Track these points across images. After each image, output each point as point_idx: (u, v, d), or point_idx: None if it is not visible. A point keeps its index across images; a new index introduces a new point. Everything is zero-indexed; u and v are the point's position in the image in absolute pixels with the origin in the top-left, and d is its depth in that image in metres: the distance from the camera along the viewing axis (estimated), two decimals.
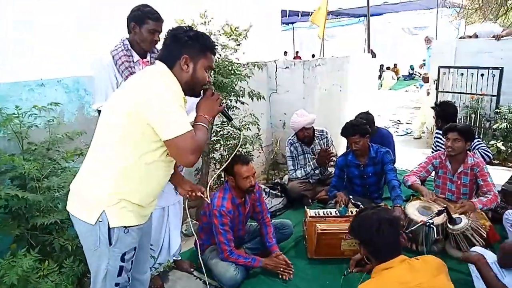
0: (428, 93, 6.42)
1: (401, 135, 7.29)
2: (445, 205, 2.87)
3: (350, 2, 12.70)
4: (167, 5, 3.10)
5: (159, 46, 2.55)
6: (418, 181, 3.33)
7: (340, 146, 4.77)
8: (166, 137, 1.54)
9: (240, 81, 3.33)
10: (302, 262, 3.01)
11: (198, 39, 1.67)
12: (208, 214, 2.80)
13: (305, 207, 3.32)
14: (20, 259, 1.99)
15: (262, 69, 3.86)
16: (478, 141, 3.83)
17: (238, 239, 2.91)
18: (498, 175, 3.99)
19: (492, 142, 5.18)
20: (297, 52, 17.14)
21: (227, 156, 3.61)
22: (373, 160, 3.53)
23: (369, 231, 1.76)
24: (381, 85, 14.70)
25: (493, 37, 5.64)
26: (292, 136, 4.19)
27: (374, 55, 8.15)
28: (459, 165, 3.24)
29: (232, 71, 3.31)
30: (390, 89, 14.79)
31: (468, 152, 3.26)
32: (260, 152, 4.81)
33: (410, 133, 7.38)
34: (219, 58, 3.30)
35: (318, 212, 3.12)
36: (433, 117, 4.36)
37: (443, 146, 3.53)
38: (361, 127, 3.43)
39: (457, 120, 4.25)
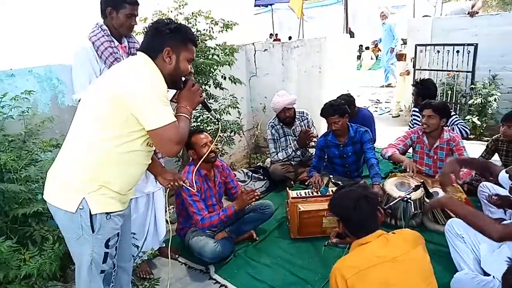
0: (408, 73, 6.47)
1: (380, 114, 7.38)
2: (422, 180, 2.94)
3: None
4: None
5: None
6: (397, 152, 3.40)
7: (321, 127, 4.81)
8: (150, 127, 1.55)
9: (222, 66, 3.30)
10: (286, 242, 3.06)
11: (180, 31, 1.68)
12: (179, 194, 2.84)
13: (287, 188, 3.37)
14: None
15: (238, 50, 3.83)
16: (456, 117, 3.93)
17: None
18: (473, 149, 4.11)
19: (468, 117, 5.30)
20: (276, 35, 17.00)
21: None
22: (352, 140, 3.58)
23: (347, 207, 1.79)
24: (361, 66, 14.79)
25: (468, 13, 5.71)
26: (273, 119, 4.21)
27: (352, 35, 8.18)
28: (435, 140, 3.33)
29: (210, 56, 3.28)
30: (370, 69, 14.88)
31: (444, 127, 3.34)
32: (241, 137, 4.80)
33: (388, 112, 7.49)
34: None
35: (299, 193, 3.16)
36: (412, 94, 4.42)
37: (420, 123, 3.61)
38: (340, 107, 3.46)
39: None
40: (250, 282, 2.61)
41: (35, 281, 2.06)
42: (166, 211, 3.04)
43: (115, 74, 1.64)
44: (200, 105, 1.88)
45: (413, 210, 2.93)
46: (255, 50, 4.89)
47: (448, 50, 5.57)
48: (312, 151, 4.13)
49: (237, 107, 3.68)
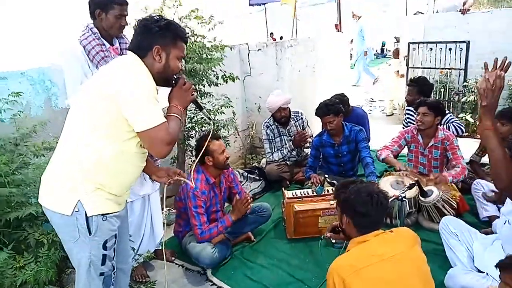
0: (402, 75, 6.50)
1: (373, 112, 7.41)
2: (416, 179, 2.96)
3: None
4: None
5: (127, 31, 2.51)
6: (391, 155, 3.42)
7: (315, 126, 4.82)
8: (140, 129, 1.54)
9: (214, 66, 3.29)
10: (282, 242, 3.07)
11: (169, 29, 1.66)
12: (183, 199, 2.81)
13: (283, 188, 3.37)
14: None
15: (232, 49, 3.82)
16: (451, 115, 3.96)
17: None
18: (467, 147, 4.13)
19: (461, 115, 5.34)
20: (271, 34, 16.98)
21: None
22: (347, 139, 3.59)
23: (365, 202, 1.75)
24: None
25: (459, 10, 5.74)
26: (268, 119, 4.21)
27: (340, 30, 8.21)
28: (430, 139, 3.34)
29: (204, 56, 3.27)
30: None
31: (438, 126, 3.36)
32: (236, 137, 4.80)
33: (382, 110, 7.51)
34: (189, 44, 3.24)
35: (295, 193, 3.17)
36: (406, 92, 4.43)
37: (413, 121, 3.62)
38: (335, 107, 3.47)
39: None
40: (247, 283, 2.61)
41: None
42: (162, 213, 3.04)
43: (103, 75, 1.62)
44: (192, 103, 1.86)
45: (408, 209, 2.96)
46: (249, 50, 4.88)
47: (441, 48, 5.60)
48: (308, 151, 4.14)
49: (231, 106, 3.67)
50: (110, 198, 1.66)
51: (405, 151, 3.68)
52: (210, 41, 3.38)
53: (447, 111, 3.99)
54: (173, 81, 1.73)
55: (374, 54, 17.78)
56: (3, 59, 2.92)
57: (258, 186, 4.09)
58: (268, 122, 4.19)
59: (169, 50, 1.66)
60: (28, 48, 3.08)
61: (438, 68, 5.73)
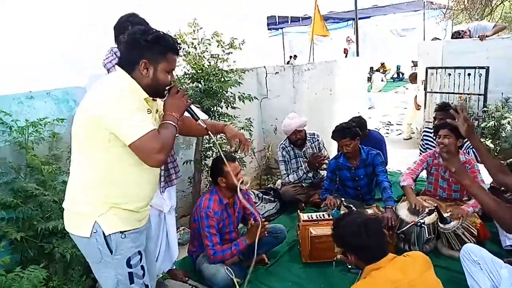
0: (419, 107, 6.50)
1: (390, 135, 7.35)
2: (435, 205, 2.90)
3: (339, 6, 12.85)
4: (156, 13, 3.11)
5: None
6: (412, 184, 3.36)
7: (332, 149, 4.81)
8: (129, 142, 1.52)
9: (231, 87, 3.35)
10: (297, 266, 3.02)
11: (158, 42, 1.61)
12: (197, 220, 2.81)
13: (298, 211, 3.34)
14: (28, 274, 1.95)
15: (248, 71, 3.88)
16: None
17: (231, 242, 2.91)
18: (487, 173, 4.04)
19: (481, 140, 5.24)
20: (295, 56, 17.28)
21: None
22: (364, 162, 3.56)
23: (353, 235, 1.76)
24: (371, 87, 14.83)
25: (478, 37, 5.74)
26: (284, 141, 4.22)
27: (357, 54, 8.28)
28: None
29: (222, 78, 3.34)
30: (380, 91, 14.91)
31: (459, 150, 3.31)
32: (252, 158, 4.82)
33: (400, 134, 7.45)
34: (208, 67, 3.32)
35: (311, 216, 3.14)
36: (433, 117, 4.37)
37: (432, 145, 3.58)
38: (351, 130, 3.46)
39: None
40: None
41: None
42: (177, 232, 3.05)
43: (88, 97, 1.62)
44: (187, 113, 1.82)
45: (427, 235, 2.88)
46: (266, 73, 4.95)
47: (460, 73, 5.57)
48: (324, 173, 4.11)
49: (250, 129, 3.71)
50: (127, 215, 1.66)
51: (423, 174, 3.63)
52: (229, 65, 3.45)
53: None
54: (166, 92, 1.72)
55: (391, 78, 17.83)
56: (30, 78, 3.03)
57: (273, 208, 4.07)
58: (284, 144, 4.20)
59: (157, 64, 1.63)
60: (54, 68, 3.19)
61: (457, 93, 5.68)
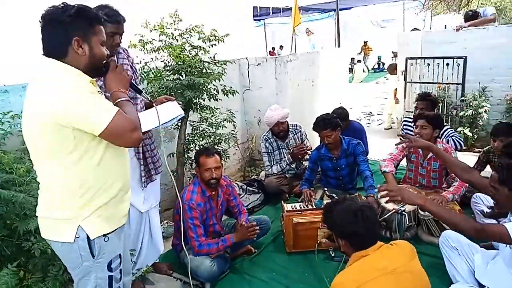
0: (397, 101, 6.62)
1: (371, 126, 7.45)
2: (416, 192, 2.96)
3: None
4: (135, 4, 3.04)
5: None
6: (394, 170, 3.43)
7: (314, 140, 4.84)
8: (100, 130, 1.42)
9: (214, 80, 3.32)
10: (281, 256, 3.04)
11: (82, 15, 1.47)
12: (179, 212, 2.80)
13: (282, 202, 3.37)
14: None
15: (231, 63, 3.85)
16: (451, 129, 3.99)
17: (215, 235, 2.92)
18: (465, 161, 4.11)
19: (459, 129, 5.37)
20: (273, 48, 17.26)
21: None
22: (346, 152, 3.60)
23: (349, 221, 1.76)
24: (353, 78, 14.98)
25: (455, 28, 5.85)
26: (267, 132, 4.23)
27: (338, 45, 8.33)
28: (429, 151, 3.36)
29: (204, 70, 3.31)
30: (361, 81, 15.08)
31: (437, 139, 3.38)
32: (236, 150, 4.82)
33: (381, 124, 7.56)
34: (189, 58, 3.28)
35: (294, 206, 3.17)
36: (414, 107, 4.45)
37: (412, 134, 3.63)
38: (332, 121, 3.49)
39: None
40: None
41: None
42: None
43: (35, 102, 1.45)
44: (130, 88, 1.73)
45: (407, 222, 2.95)
46: (248, 64, 4.93)
47: (438, 63, 5.67)
48: (307, 163, 4.15)
49: (233, 121, 3.70)
50: (109, 213, 1.60)
51: (403, 162, 3.70)
52: (210, 57, 3.41)
53: (447, 125, 4.03)
54: (104, 68, 1.61)
55: (372, 69, 18.05)
56: (4, 72, 2.93)
57: (257, 199, 4.08)
58: (266, 136, 4.21)
59: (89, 38, 1.50)
60: (29, 61, 3.09)
61: (435, 83, 5.78)
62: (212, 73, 3.33)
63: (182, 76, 3.28)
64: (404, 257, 1.74)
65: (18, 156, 2.39)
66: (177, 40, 3.27)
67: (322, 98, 5.57)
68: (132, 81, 1.75)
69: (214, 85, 3.40)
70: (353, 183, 3.87)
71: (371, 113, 8.63)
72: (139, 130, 1.52)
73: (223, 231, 3.05)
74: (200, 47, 3.31)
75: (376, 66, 18.17)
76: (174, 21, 3.22)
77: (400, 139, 2.92)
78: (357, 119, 6.52)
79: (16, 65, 2.97)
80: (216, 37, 3.30)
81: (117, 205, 1.64)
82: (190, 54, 3.31)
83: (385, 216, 2.88)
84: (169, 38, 3.24)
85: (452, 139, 3.75)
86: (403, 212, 2.73)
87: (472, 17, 5.86)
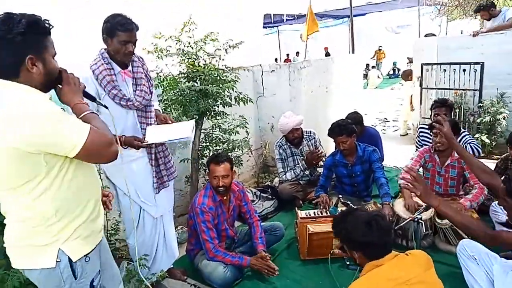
0: (413, 109, 6.57)
1: (387, 132, 7.38)
2: None
3: (333, 4, 12.87)
4: (147, 13, 3.08)
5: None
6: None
7: (329, 146, 4.82)
8: (75, 153, 1.34)
9: (228, 88, 3.34)
10: (295, 263, 3.03)
11: (35, 28, 1.35)
12: (192, 216, 2.82)
13: (296, 208, 3.35)
14: None
15: (244, 70, 3.86)
16: (469, 135, 3.92)
17: (227, 240, 2.92)
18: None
19: (476, 135, 5.27)
20: (288, 55, 17.33)
21: None
22: (361, 159, 3.57)
23: (367, 233, 1.72)
24: (367, 84, 14.88)
25: (471, 33, 5.76)
26: (281, 139, 4.22)
27: (352, 51, 8.29)
28: (447, 158, 3.31)
29: (218, 78, 3.33)
30: (376, 87, 14.97)
31: None
32: (249, 156, 4.83)
33: (396, 130, 7.48)
34: (204, 65, 3.31)
35: (308, 213, 3.14)
36: (435, 114, 4.37)
37: (428, 141, 3.59)
38: (347, 127, 3.47)
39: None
40: None
41: None
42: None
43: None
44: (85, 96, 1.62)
45: (424, 231, 2.90)
46: (262, 71, 4.95)
47: (455, 69, 5.59)
48: (321, 170, 4.12)
49: (246, 127, 3.71)
50: (88, 231, 1.54)
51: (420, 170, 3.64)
52: (224, 64, 3.44)
53: (464, 132, 3.96)
54: (56, 81, 1.49)
55: (388, 75, 17.92)
56: None
57: (271, 205, 4.08)
58: (280, 142, 4.21)
59: (43, 54, 1.38)
60: None
61: (452, 89, 5.70)
62: (226, 81, 3.36)
63: (196, 83, 3.31)
64: (418, 267, 1.71)
65: None
66: (191, 47, 3.31)
67: (336, 105, 5.55)
68: (84, 89, 1.63)
69: (228, 92, 3.42)
70: (368, 190, 3.82)
71: (386, 119, 8.55)
72: (114, 144, 1.45)
73: (237, 237, 3.05)
74: (215, 55, 3.34)
75: (392, 72, 18.03)
76: (190, 29, 3.26)
77: (433, 126, 2.97)
78: (372, 125, 6.45)
79: None
80: (230, 46, 3.32)
81: (94, 220, 1.59)
82: (205, 61, 3.34)
83: (401, 224, 2.84)
84: (184, 46, 3.28)
85: (470, 146, 3.68)
86: (420, 220, 2.68)
87: (485, 8, 5.67)
